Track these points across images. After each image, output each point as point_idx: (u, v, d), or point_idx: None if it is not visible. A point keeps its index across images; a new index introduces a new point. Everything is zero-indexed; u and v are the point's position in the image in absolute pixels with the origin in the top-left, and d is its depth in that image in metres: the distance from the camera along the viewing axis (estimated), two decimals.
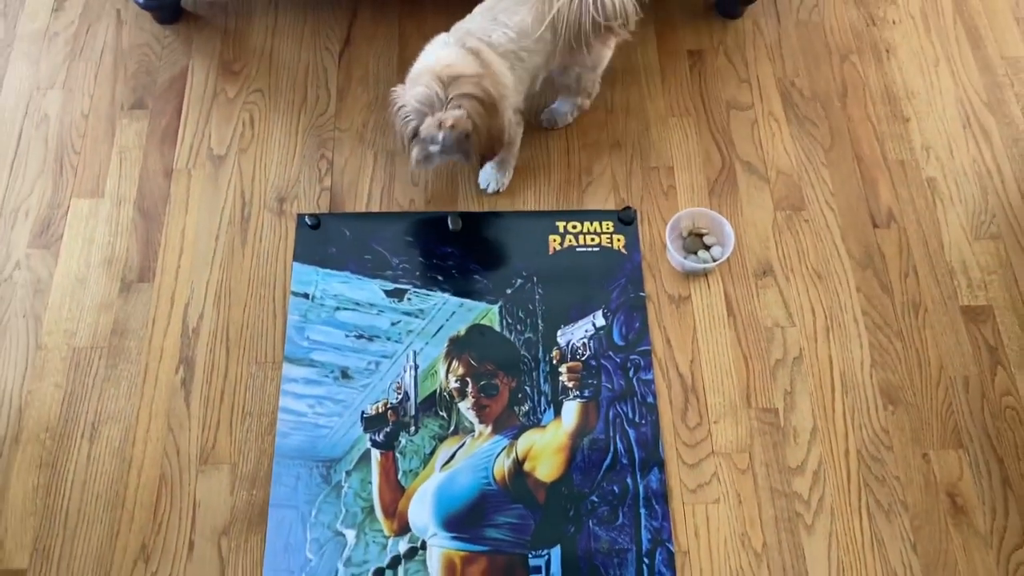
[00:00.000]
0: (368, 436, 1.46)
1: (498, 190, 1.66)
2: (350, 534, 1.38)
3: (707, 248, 1.61)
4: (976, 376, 1.52)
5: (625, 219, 1.65)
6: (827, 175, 1.71)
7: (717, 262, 1.57)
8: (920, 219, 1.66)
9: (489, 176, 1.65)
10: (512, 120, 1.53)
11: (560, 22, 1.42)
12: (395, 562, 1.36)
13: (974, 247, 1.64)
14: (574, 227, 1.65)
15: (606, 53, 1.58)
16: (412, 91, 1.38)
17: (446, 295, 1.58)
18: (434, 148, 1.40)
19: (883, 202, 1.68)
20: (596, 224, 1.65)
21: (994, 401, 1.50)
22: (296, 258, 1.60)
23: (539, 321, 1.56)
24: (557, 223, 1.65)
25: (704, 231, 1.62)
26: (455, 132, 1.36)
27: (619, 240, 1.64)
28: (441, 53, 1.41)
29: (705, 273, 1.59)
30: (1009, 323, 1.57)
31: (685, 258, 1.58)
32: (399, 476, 1.43)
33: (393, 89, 1.42)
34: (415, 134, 1.40)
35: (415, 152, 1.43)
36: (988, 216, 1.67)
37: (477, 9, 1.49)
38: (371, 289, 1.58)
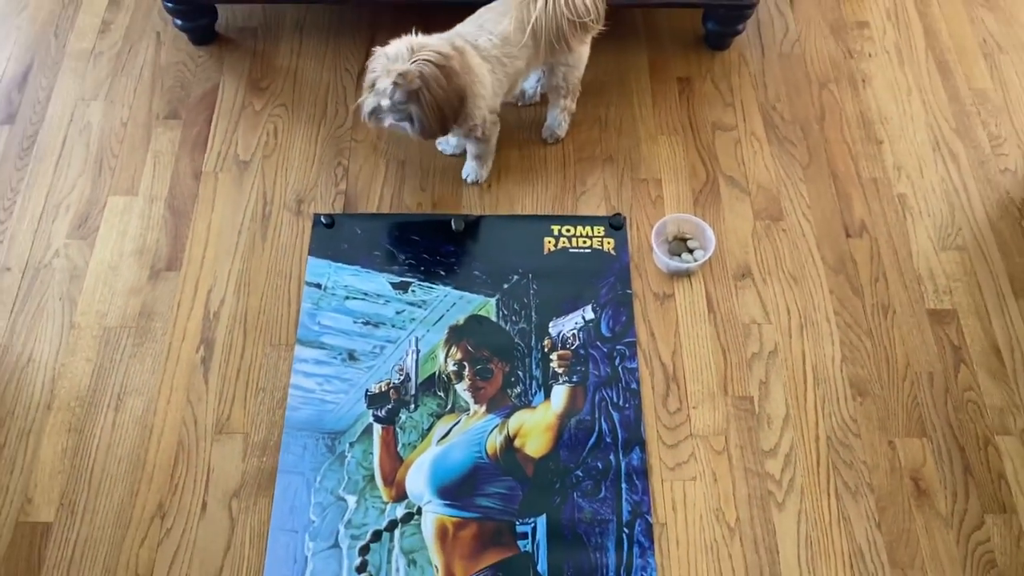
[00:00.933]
0: (371, 412, 1.58)
1: (477, 181, 1.81)
2: (351, 499, 1.49)
3: (690, 252, 1.74)
4: (940, 372, 1.63)
5: (615, 224, 1.78)
6: (804, 190, 1.84)
7: (699, 262, 1.70)
8: (891, 230, 1.79)
9: (470, 169, 1.82)
10: (488, 119, 1.69)
11: (539, 27, 1.58)
12: (392, 525, 1.47)
13: (941, 256, 1.76)
14: (568, 230, 1.78)
15: (584, 50, 1.74)
16: (385, 50, 1.52)
17: (448, 288, 1.71)
18: (384, 102, 1.51)
19: (856, 215, 1.81)
20: (588, 228, 1.79)
21: (956, 395, 1.60)
22: (311, 252, 1.74)
23: (532, 313, 1.68)
24: (552, 226, 1.79)
25: (688, 236, 1.75)
26: (403, 86, 1.48)
27: (609, 243, 1.77)
28: (427, 39, 1.56)
29: (688, 274, 1.72)
30: (972, 325, 1.68)
31: (670, 259, 1.71)
32: (398, 448, 1.54)
33: (374, 49, 1.56)
34: (372, 84, 1.53)
35: (367, 101, 1.55)
36: (954, 229, 1.79)
37: (467, 19, 1.66)
38: (379, 281, 1.71)
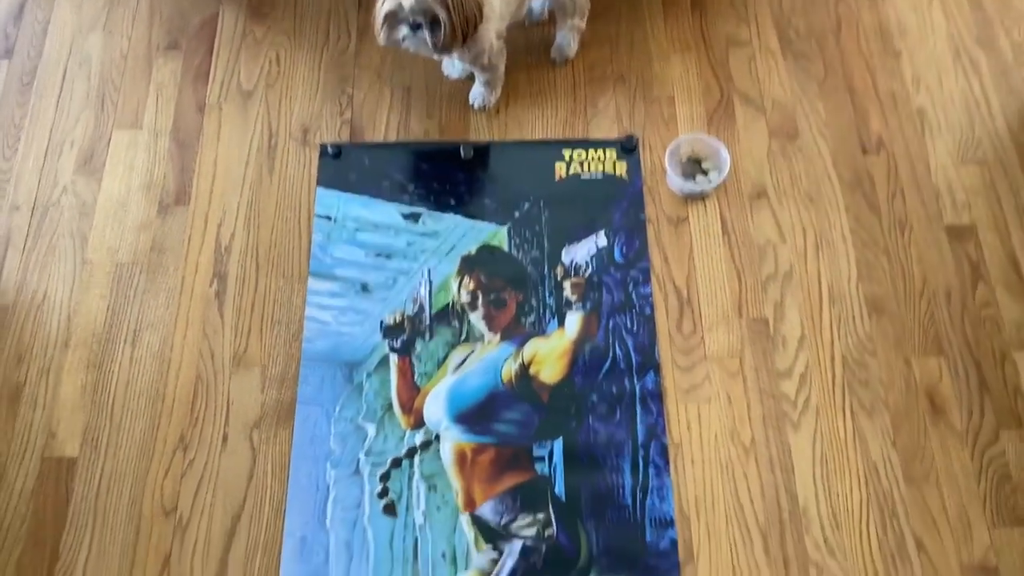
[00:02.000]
0: (387, 342, 1.58)
1: (485, 106, 1.77)
2: (370, 428, 1.51)
3: (704, 173, 1.71)
4: (958, 289, 1.61)
5: (627, 147, 1.75)
6: (820, 106, 1.79)
7: (713, 184, 1.67)
8: (908, 145, 1.75)
9: (477, 94, 1.77)
10: (494, 45, 1.64)
11: None
12: (411, 452, 1.49)
13: (960, 171, 1.72)
14: (579, 155, 1.75)
15: None
16: None
17: (458, 217, 1.69)
18: (406, 2, 1.45)
19: (873, 130, 1.77)
20: (600, 152, 1.75)
21: (974, 312, 1.59)
22: (319, 183, 1.72)
23: (545, 241, 1.67)
24: (563, 151, 1.76)
25: (702, 157, 1.72)
26: None
27: (621, 167, 1.74)
28: None
29: (702, 196, 1.69)
30: (991, 240, 1.65)
31: (684, 182, 1.68)
32: (415, 378, 1.55)
33: None
34: None
35: (386, 3, 1.48)
36: (975, 143, 1.75)
37: None
38: (389, 212, 1.70)
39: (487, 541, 1.42)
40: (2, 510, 1.44)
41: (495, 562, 1.40)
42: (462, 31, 1.51)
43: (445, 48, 1.54)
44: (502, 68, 1.74)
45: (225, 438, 1.50)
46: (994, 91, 1.81)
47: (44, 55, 1.85)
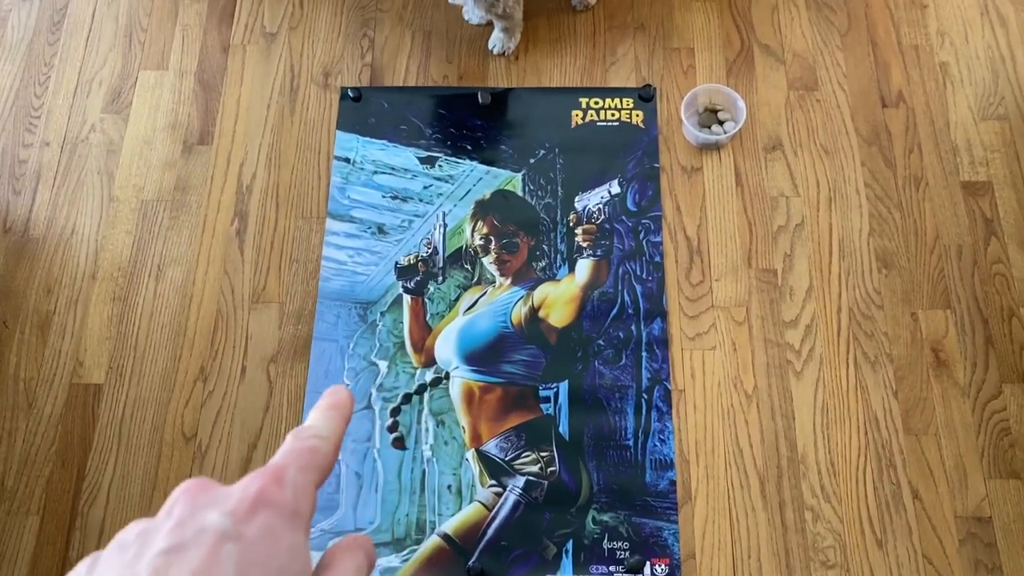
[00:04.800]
0: (400, 283, 1.62)
1: (504, 53, 1.78)
2: (383, 364, 1.56)
3: (720, 124, 1.71)
4: (970, 245, 1.61)
5: (645, 96, 1.76)
6: (841, 58, 1.78)
7: (729, 134, 1.68)
8: (929, 100, 1.73)
9: (496, 40, 1.78)
10: None
11: None
12: (421, 389, 1.54)
13: (980, 127, 1.71)
14: (596, 103, 1.76)
15: None
16: None
17: (474, 163, 1.72)
18: None
19: (894, 84, 1.75)
20: (617, 100, 1.76)
21: (984, 268, 1.59)
22: (339, 126, 1.75)
23: (559, 188, 1.69)
24: (580, 99, 1.77)
25: (719, 107, 1.72)
26: None
27: (638, 116, 1.75)
28: None
29: (718, 146, 1.70)
30: (1007, 198, 1.65)
31: (699, 132, 1.69)
32: (427, 318, 1.59)
33: None
34: None
35: None
36: (997, 98, 1.73)
37: None
38: (406, 156, 1.73)
39: (491, 476, 1.47)
40: (32, 433, 1.52)
41: (498, 495, 1.45)
42: None
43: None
44: (519, 15, 1.74)
45: (243, 370, 1.56)
46: (1021, 47, 1.78)
47: None
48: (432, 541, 1.43)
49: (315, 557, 0.34)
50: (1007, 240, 1.61)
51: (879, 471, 1.46)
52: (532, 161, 1.72)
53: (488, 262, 1.64)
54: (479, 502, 1.45)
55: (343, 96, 1.77)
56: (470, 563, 1.41)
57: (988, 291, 1.57)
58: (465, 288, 1.62)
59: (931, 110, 1.72)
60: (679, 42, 1.81)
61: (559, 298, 1.60)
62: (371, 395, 1.53)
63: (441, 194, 1.69)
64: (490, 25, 1.80)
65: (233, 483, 0.35)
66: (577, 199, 1.68)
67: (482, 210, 1.68)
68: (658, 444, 1.48)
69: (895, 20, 1.81)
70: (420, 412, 1.52)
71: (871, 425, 1.49)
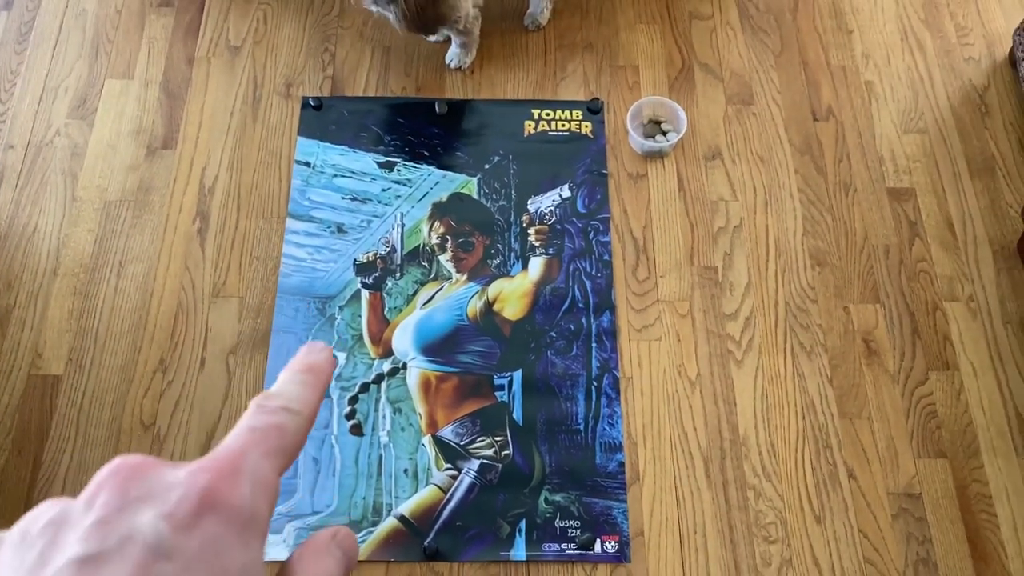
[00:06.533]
0: (359, 279, 1.68)
1: (460, 67, 1.88)
2: (341, 356, 1.60)
3: (664, 134, 1.82)
4: (896, 245, 1.73)
5: (593, 108, 1.86)
6: (775, 76, 1.91)
7: (671, 143, 1.78)
8: (856, 115, 1.87)
9: (453, 55, 1.88)
10: (471, 13, 1.75)
11: None
12: (379, 379, 1.58)
13: (903, 139, 1.84)
14: (547, 114, 1.86)
15: None
16: None
17: (431, 168, 1.80)
18: None
19: (824, 100, 1.88)
20: (567, 112, 1.86)
21: (910, 266, 1.70)
22: (300, 133, 1.82)
23: (512, 192, 1.77)
24: (532, 110, 1.86)
25: (662, 119, 1.83)
26: None
27: (587, 127, 1.85)
28: None
29: (661, 154, 1.80)
30: (929, 202, 1.77)
31: (644, 141, 1.79)
32: (385, 312, 1.65)
33: None
34: None
35: None
36: (917, 114, 1.87)
37: None
38: (365, 161, 1.80)
39: (447, 460, 1.51)
40: None
41: (454, 478, 1.49)
42: (418, 24, 1.63)
43: (413, 29, 1.65)
44: (477, 32, 1.85)
45: (203, 362, 1.59)
46: (937, 68, 1.93)
47: (42, 7, 1.94)
48: (389, 523, 1.46)
49: (272, 540, 0.28)
50: (930, 241, 1.73)
51: (816, 452, 1.53)
52: (487, 167, 1.80)
53: (445, 260, 1.70)
54: (435, 485, 1.49)
55: (304, 105, 1.84)
56: (426, 543, 1.44)
57: (914, 287, 1.68)
58: (422, 284, 1.68)
59: (858, 123, 1.85)
60: (624, 60, 1.93)
61: (513, 293, 1.66)
62: (329, 385, 1.57)
63: (399, 196, 1.76)
64: (448, 41, 1.90)
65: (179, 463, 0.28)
66: (530, 202, 1.76)
67: (439, 211, 1.75)
68: (607, 428, 1.54)
69: (824, 43, 1.96)
70: (377, 400, 1.56)
71: (808, 410, 1.57)
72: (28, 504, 1.46)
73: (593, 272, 1.69)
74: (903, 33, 1.98)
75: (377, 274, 1.68)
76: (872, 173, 1.80)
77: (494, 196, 1.77)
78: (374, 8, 1.64)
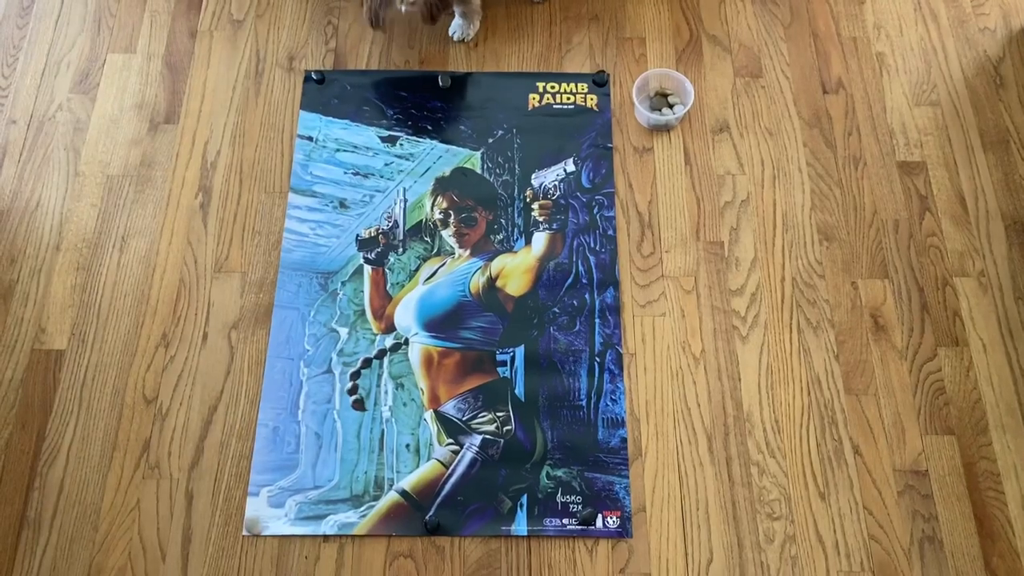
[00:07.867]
0: (361, 255, 1.67)
1: (464, 39, 1.86)
2: (343, 331, 1.59)
3: (671, 107, 1.79)
4: (906, 219, 1.70)
5: (599, 81, 1.83)
6: (784, 48, 1.88)
7: (678, 116, 1.75)
8: (867, 87, 1.83)
9: (457, 26, 1.86)
10: None
11: None
12: (381, 354, 1.57)
13: (914, 112, 1.80)
14: (552, 87, 1.83)
15: None
16: None
17: (434, 142, 1.78)
18: None
19: (834, 72, 1.85)
20: (572, 85, 1.84)
21: (920, 240, 1.68)
22: (302, 107, 1.80)
23: (516, 166, 1.75)
24: (537, 83, 1.84)
25: (668, 91, 1.80)
26: None
27: (592, 99, 1.82)
28: None
29: (667, 128, 1.78)
30: (940, 176, 1.74)
31: (650, 114, 1.76)
32: (387, 287, 1.64)
33: None
34: None
35: None
36: (930, 86, 1.83)
37: None
38: (368, 135, 1.78)
39: (449, 435, 1.51)
40: None
41: (455, 453, 1.49)
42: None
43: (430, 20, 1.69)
44: (478, 2, 1.82)
45: (205, 336, 1.58)
46: (951, 39, 1.89)
47: None
48: (390, 497, 1.46)
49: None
50: (940, 215, 1.70)
51: (821, 428, 1.52)
52: (491, 141, 1.78)
53: (447, 235, 1.69)
54: (436, 460, 1.49)
55: (307, 79, 1.83)
56: (427, 517, 1.44)
57: (923, 262, 1.66)
58: (425, 259, 1.67)
59: (869, 96, 1.82)
60: (631, 32, 1.89)
61: (516, 268, 1.65)
62: (332, 360, 1.56)
63: (402, 171, 1.75)
64: (451, 13, 1.87)
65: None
66: (534, 176, 1.74)
67: (442, 186, 1.73)
68: (610, 404, 1.53)
69: (834, 14, 1.92)
70: (380, 375, 1.55)
71: (814, 386, 1.55)
72: (32, 477, 1.47)
73: (597, 247, 1.67)
74: (916, 3, 1.93)
75: (379, 249, 1.67)
76: (882, 146, 1.77)
77: (497, 170, 1.75)
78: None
